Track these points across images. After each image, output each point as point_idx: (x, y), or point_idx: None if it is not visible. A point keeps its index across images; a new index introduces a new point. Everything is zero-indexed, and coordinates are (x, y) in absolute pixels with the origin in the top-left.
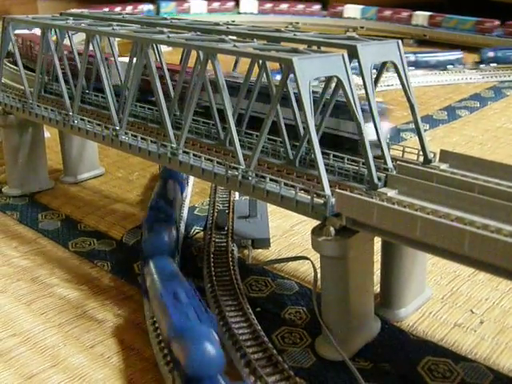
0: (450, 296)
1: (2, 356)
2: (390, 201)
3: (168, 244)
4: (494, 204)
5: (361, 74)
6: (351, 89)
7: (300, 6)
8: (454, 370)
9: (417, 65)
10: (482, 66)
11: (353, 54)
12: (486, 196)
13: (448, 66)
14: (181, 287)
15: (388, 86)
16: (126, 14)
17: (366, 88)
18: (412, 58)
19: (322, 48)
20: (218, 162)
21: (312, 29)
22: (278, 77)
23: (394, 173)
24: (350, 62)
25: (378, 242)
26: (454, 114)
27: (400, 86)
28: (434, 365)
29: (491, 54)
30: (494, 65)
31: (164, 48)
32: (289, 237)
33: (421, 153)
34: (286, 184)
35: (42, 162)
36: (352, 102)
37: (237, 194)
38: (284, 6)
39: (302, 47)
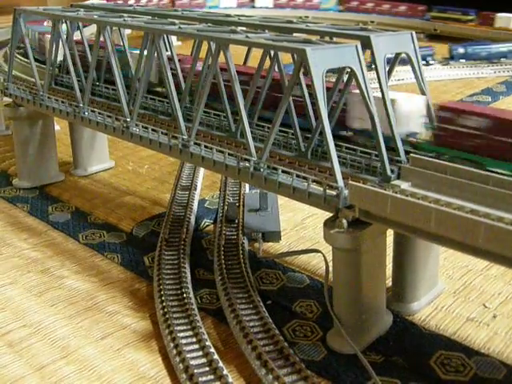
0: (462, 290)
1: (12, 346)
2: (403, 193)
3: None
4: (508, 196)
5: (374, 64)
6: (364, 80)
7: (316, 1)
8: (467, 364)
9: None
10: (451, 62)
11: (366, 44)
12: (501, 189)
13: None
14: None
15: (399, 80)
16: (138, 5)
17: (379, 79)
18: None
19: (335, 39)
20: (229, 154)
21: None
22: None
23: (407, 165)
24: (364, 53)
25: (390, 236)
26: None
27: (410, 81)
28: (446, 359)
29: (461, 50)
30: (463, 61)
31: (174, 42)
32: (300, 230)
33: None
34: (298, 176)
35: (52, 154)
36: (365, 93)
37: (247, 187)
38: (300, 0)
39: (314, 38)
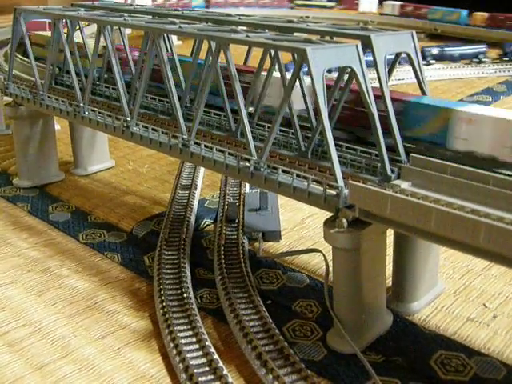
0: (462, 290)
1: (13, 346)
2: (403, 193)
3: None
4: (509, 196)
5: (375, 64)
6: (365, 79)
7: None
8: (466, 364)
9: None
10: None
11: (367, 44)
12: (502, 188)
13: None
14: None
15: (399, 79)
16: (137, 5)
17: (379, 78)
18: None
19: (335, 39)
20: (229, 153)
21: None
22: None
23: (408, 165)
24: (364, 53)
25: (390, 235)
26: None
27: (410, 80)
28: (446, 359)
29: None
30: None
31: (174, 42)
32: (300, 230)
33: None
34: (298, 175)
35: (52, 153)
36: (366, 92)
37: (247, 186)
38: (174, 0)
39: (314, 38)
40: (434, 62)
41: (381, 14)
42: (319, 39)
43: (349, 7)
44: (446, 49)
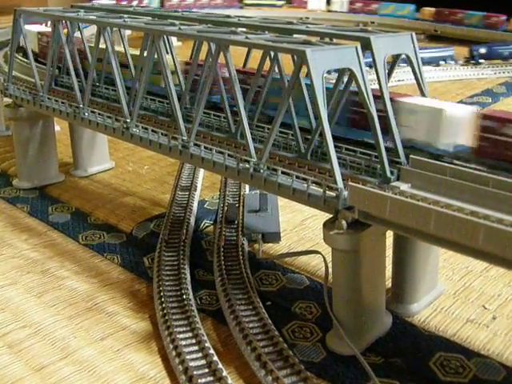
0: (462, 291)
1: (12, 347)
2: (403, 194)
3: None
4: (508, 198)
5: (374, 66)
6: (364, 81)
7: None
8: (466, 365)
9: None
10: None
11: (366, 46)
12: (501, 190)
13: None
14: None
15: (399, 80)
16: (137, 6)
17: (379, 80)
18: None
19: (335, 40)
20: (229, 155)
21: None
22: None
23: (407, 166)
24: (364, 55)
25: (389, 237)
26: None
27: (410, 81)
28: (446, 360)
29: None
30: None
31: (174, 43)
32: (299, 231)
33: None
34: (297, 177)
35: (52, 155)
36: (365, 94)
37: (247, 187)
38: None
39: (314, 39)
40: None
41: (329, 11)
42: (319, 41)
43: (298, 5)
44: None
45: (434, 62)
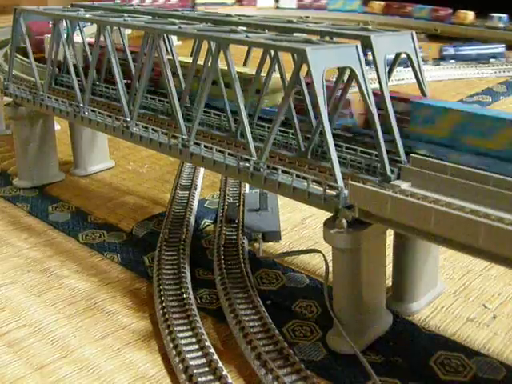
0: (462, 291)
1: (12, 346)
2: (403, 193)
3: None
4: (508, 197)
5: (374, 64)
6: (364, 80)
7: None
8: (466, 364)
9: None
10: None
11: (366, 44)
12: (501, 189)
13: None
14: None
15: (399, 80)
16: (137, 5)
17: (379, 79)
18: None
19: (335, 39)
20: (229, 154)
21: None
22: None
23: (407, 165)
24: (364, 53)
25: (389, 236)
26: None
27: (411, 81)
28: (446, 359)
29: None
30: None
31: (174, 42)
32: (299, 230)
33: None
34: (298, 176)
35: (52, 154)
36: (365, 93)
37: (247, 186)
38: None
39: (314, 38)
40: None
41: (277, 8)
42: (319, 39)
43: (247, 3)
44: None
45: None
